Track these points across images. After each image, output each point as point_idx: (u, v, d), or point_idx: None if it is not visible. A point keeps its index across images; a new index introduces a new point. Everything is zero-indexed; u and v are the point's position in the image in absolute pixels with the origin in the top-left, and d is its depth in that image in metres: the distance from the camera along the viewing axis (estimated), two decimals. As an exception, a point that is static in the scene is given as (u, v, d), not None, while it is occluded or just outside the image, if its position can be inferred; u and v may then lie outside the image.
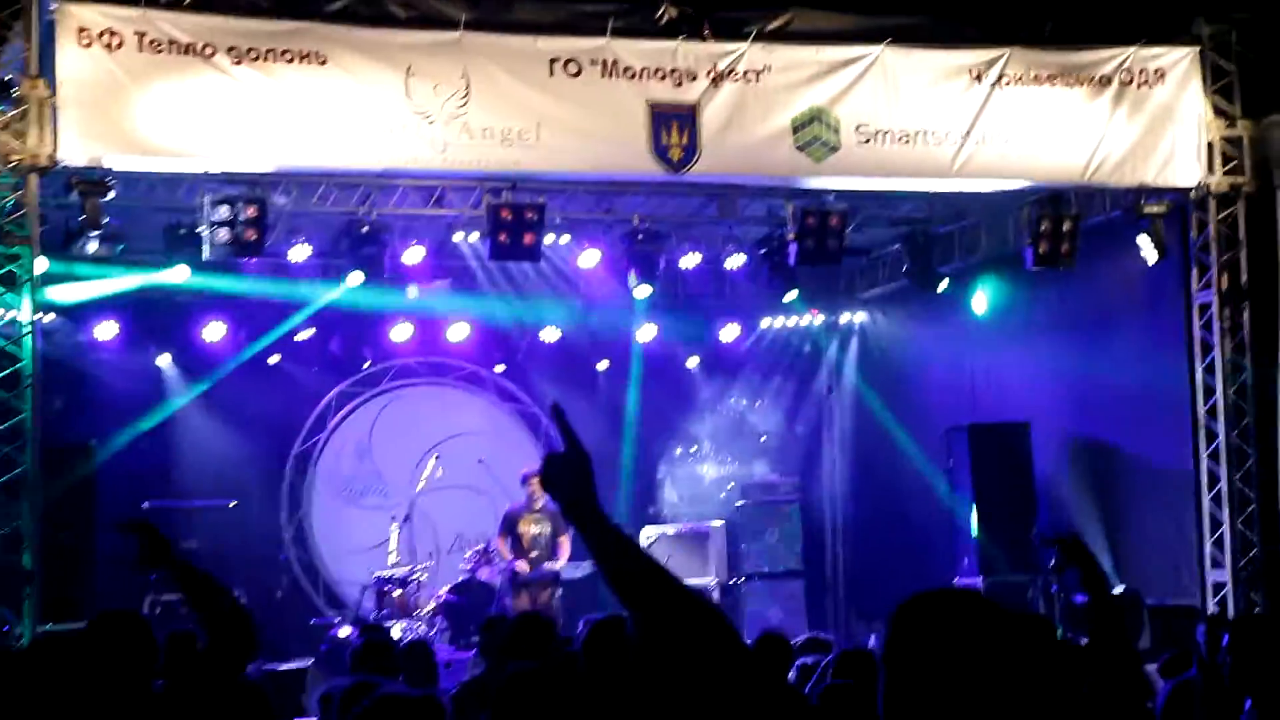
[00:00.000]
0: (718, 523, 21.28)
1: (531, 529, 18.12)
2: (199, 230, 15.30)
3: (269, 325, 20.52)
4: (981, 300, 19.46)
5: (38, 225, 13.93)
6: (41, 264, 14.29)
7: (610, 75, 15.00)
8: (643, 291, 18.17)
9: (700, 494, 22.41)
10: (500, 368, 22.37)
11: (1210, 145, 16.05)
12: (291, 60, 14.26)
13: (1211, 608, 15.92)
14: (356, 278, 17.30)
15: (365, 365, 21.88)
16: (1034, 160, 15.91)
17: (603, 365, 22.58)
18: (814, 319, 22.98)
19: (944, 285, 18.94)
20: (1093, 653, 5.40)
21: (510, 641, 7.86)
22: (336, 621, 19.01)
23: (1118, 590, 16.05)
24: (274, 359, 21.00)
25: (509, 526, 18.36)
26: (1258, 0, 16.04)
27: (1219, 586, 16.10)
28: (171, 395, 20.51)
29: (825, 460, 23.36)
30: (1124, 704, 5.16)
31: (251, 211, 14.87)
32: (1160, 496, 17.45)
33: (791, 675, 8.89)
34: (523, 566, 17.87)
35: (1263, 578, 15.91)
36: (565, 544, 18.04)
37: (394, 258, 17.20)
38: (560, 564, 18.06)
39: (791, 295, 19.38)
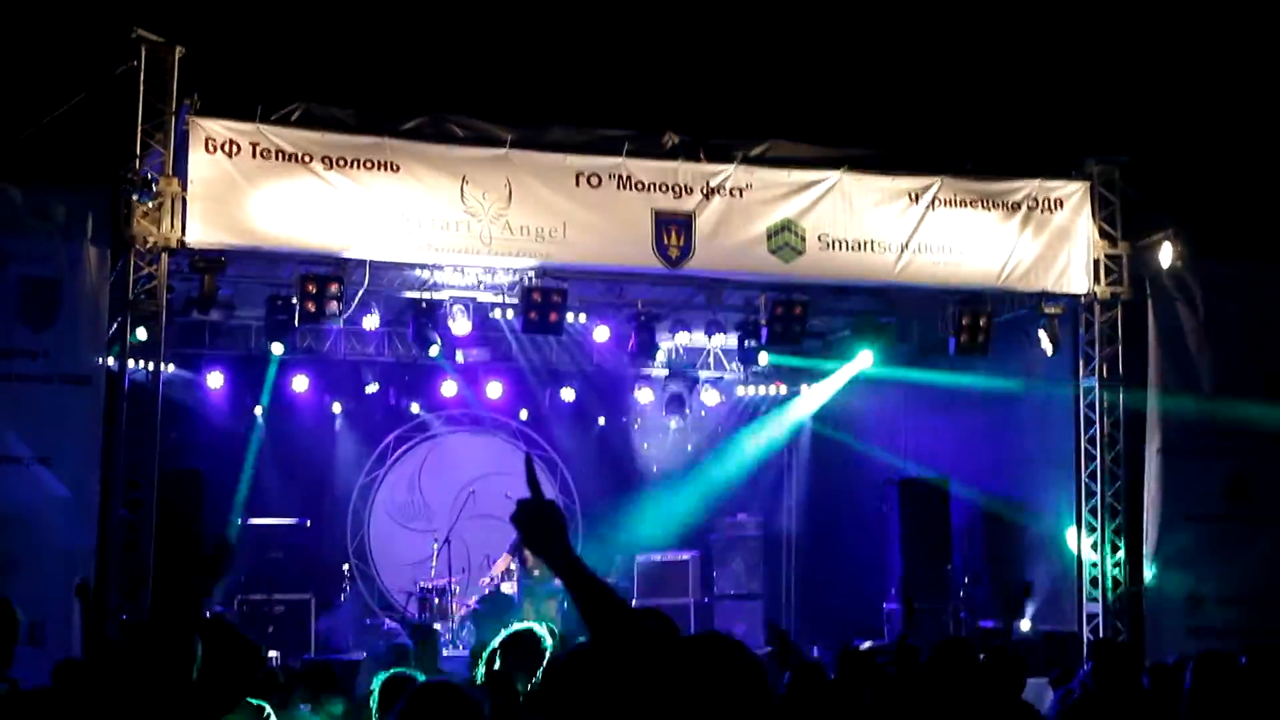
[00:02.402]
0: (694, 553, 21.35)
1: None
2: (293, 301, 15.40)
3: (344, 380, 20.69)
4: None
5: (165, 295, 14.04)
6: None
7: (624, 187, 15.05)
8: (643, 361, 18.29)
9: (682, 528, 22.39)
10: (524, 414, 22.44)
11: (1096, 261, 16.09)
12: (371, 168, 14.34)
13: (1087, 634, 16.03)
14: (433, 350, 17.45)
15: (417, 411, 21.97)
16: (959, 267, 15.87)
17: (601, 420, 22.66)
18: (779, 388, 23.06)
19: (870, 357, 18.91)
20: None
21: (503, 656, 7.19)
22: (386, 622, 19.13)
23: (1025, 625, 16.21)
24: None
25: (517, 548, 18.47)
26: (1137, 146, 16.21)
27: (1092, 617, 16.10)
28: (264, 434, 20.67)
29: (784, 503, 23.15)
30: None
31: (334, 287, 14.92)
32: (1050, 542, 17.36)
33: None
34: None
35: (1127, 610, 16.01)
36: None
37: (445, 328, 17.18)
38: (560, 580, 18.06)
39: (764, 359, 19.35)
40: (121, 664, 4.52)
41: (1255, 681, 6.78)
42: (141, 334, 13.92)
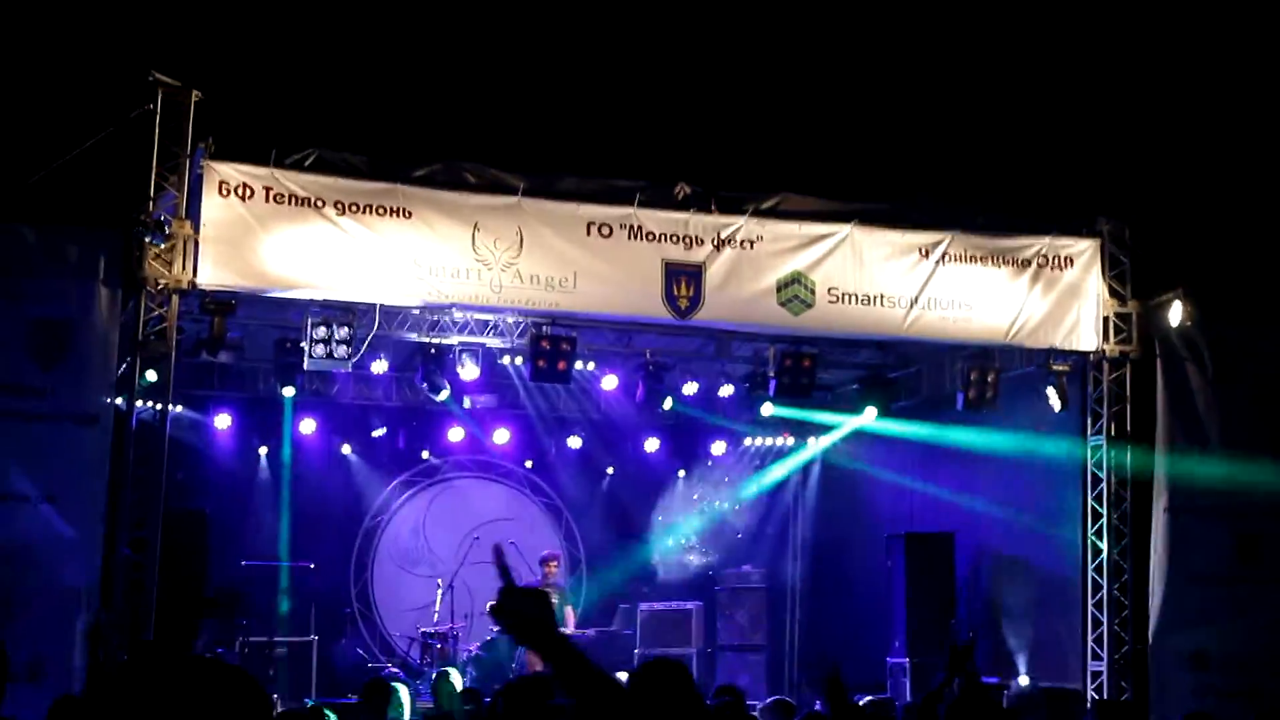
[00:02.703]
0: (697, 604, 21.30)
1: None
2: (302, 345, 15.37)
3: (351, 423, 20.70)
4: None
5: (175, 336, 14.07)
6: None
7: (634, 238, 15.08)
8: (650, 410, 18.34)
9: (685, 578, 22.36)
10: (529, 464, 22.44)
11: (1106, 319, 16.09)
12: (384, 214, 14.38)
13: (1090, 692, 15.96)
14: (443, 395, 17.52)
15: (425, 456, 21.98)
16: (968, 323, 15.85)
17: (610, 470, 22.65)
18: (786, 440, 23.06)
19: (873, 412, 18.85)
20: None
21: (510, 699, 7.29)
22: (387, 666, 19.04)
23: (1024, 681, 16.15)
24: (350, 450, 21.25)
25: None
26: (1147, 205, 16.24)
27: (1096, 674, 16.05)
28: (270, 476, 20.67)
29: (789, 556, 23.15)
30: None
31: (344, 332, 14.91)
32: (1055, 599, 17.29)
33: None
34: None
35: (1131, 669, 15.94)
36: (570, 614, 18.17)
37: (453, 374, 17.17)
38: (568, 630, 18.10)
39: (768, 409, 19.31)
40: (119, 702, 4.37)
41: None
42: (150, 375, 13.94)
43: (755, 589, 21.59)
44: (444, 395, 17.40)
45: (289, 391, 17.26)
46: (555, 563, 19.10)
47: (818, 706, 11.98)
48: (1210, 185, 16.32)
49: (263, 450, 20.29)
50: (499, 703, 6.85)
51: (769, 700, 11.71)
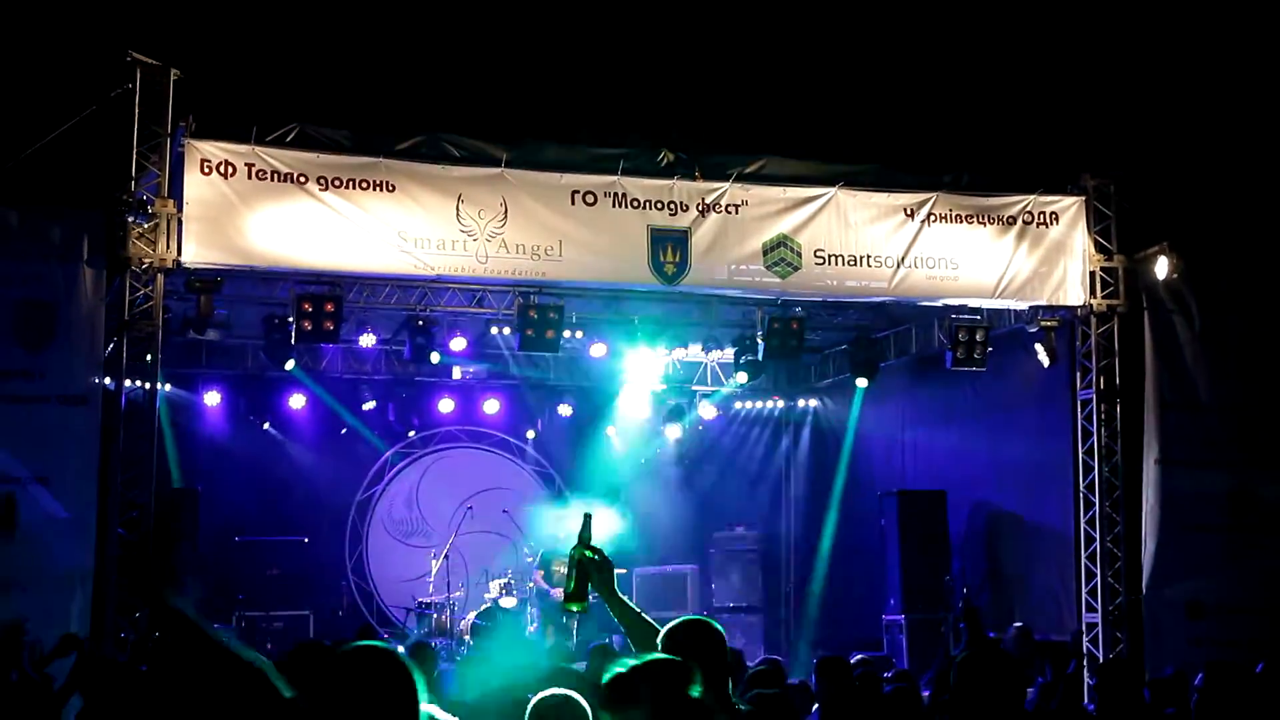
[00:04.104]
0: (692, 566, 21.36)
1: (561, 568, 18.40)
2: (289, 320, 15.41)
3: (342, 397, 20.69)
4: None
5: (161, 315, 14.03)
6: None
7: (619, 205, 15.02)
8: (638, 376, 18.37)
9: (680, 541, 22.42)
10: (531, 434, 22.45)
11: (1092, 274, 16.07)
12: (367, 188, 14.31)
13: (1086, 644, 16.04)
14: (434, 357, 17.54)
15: (411, 433, 22.01)
16: (955, 282, 15.84)
17: (598, 435, 22.65)
18: (776, 403, 23.09)
19: (864, 382, 18.83)
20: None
21: None
22: (385, 637, 19.07)
23: (1016, 625, 16.21)
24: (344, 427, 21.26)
25: (544, 565, 18.69)
26: (1132, 160, 16.20)
27: (1091, 626, 16.07)
28: (261, 451, 20.65)
29: (782, 517, 23.29)
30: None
31: (330, 306, 14.90)
32: (1048, 553, 17.45)
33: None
34: (557, 594, 17.97)
35: (1126, 620, 16.01)
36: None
37: (442, 346, 17.26)
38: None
39: (741, 377, 19.32)
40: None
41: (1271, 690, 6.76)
42: (138, 354, 13.90)
43: (749, 550, 21.66)
44: (436, 357, 17.35)
45: (290, 365, 17.21)
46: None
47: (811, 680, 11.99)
48: (1195, 139, 16.28)
49: (259, 425, 20.29)
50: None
51: (759, 660, 11.76)
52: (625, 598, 5.83)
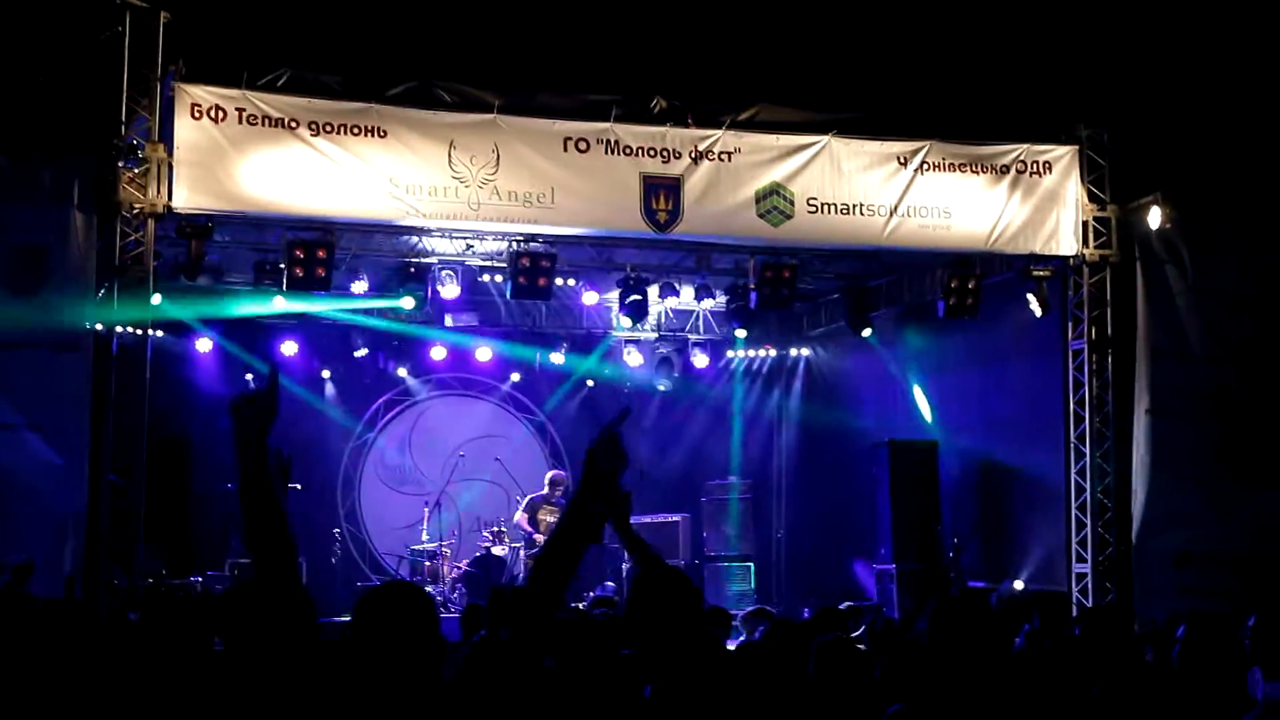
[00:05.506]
0: (684, 515, 21.39)
1: (548, 517, 18.42)
2: (280, 266, 15.45)
3: (333, 344, 20.66)
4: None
5: (152, 260, 14.04)
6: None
7: (612, 152, 15.04)
8: (629, 325, 18.36)
9: (672, 490, 22.41)
10: (515, 376, 22.41)
11: (1085, 224, 16.13)
12: (359, 133, 14.33)
13: (1076, 594, 16.10)
14: (407, 302, 17.54)
15: (406, 378, 21.98)
16: (947, 230, 15.87)
17: (591, 383, 22.58)
18: (768, 352, 23.08)
19: (869, 331, 19.12)
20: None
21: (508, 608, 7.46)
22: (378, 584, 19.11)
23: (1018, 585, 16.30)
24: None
25: (531, 509, 18.68)
26: (1126, 110, 16.18)
27: (1081, 576, 16.20)
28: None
29: (774, 466, 23.25)
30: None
31: (322, 253, 14.94)
32: (1039, 503, 17.42)
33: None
34: (539, 538, 18.01)
35: (1115, 570, 16.09)
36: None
37: (434, 293, 17.29)
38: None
39: (741, 334, 19.36)
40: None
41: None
42: (156, 298, 13.95)
43: (741, 499, 21.67)
44: (411, 303, 17.37)
45: (280, 303, 17.19)
46: (562, 485, 19.12)
47: (806, 614, 12.02)
48: (1188, 88, 16.20)
49: (245, 373, 20.27)
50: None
51: (749, 609, 11.82)
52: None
